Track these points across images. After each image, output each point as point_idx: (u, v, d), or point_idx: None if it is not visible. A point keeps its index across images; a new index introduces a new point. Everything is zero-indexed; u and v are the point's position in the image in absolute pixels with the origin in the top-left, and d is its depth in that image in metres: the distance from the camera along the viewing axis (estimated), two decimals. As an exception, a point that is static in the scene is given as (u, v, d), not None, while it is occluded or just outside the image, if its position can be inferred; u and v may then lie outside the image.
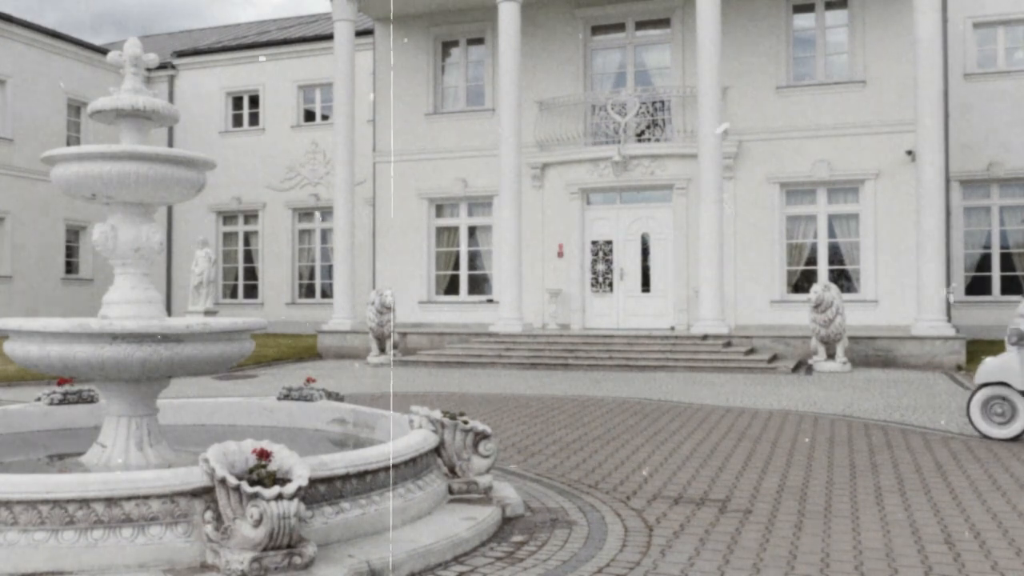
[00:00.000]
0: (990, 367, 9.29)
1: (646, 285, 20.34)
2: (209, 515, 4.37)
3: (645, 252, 20.42)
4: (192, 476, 4.43)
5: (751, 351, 17.26)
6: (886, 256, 19.09)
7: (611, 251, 20.57)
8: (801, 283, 19.74)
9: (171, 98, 29.27)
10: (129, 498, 4.34)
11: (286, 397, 7.38)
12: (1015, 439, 8.98)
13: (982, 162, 21.94)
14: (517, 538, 5.34)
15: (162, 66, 29.40)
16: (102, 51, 28.89)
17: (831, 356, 16.11)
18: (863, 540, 5.35)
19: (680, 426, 9.92)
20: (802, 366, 16.68)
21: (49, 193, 26.56)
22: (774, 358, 17.02)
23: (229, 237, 29.39)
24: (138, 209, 5.83)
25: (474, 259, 22.50)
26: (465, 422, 5.88)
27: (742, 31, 20.23)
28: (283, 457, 4.45)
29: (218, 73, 29.34)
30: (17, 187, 26.73)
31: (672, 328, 19.55)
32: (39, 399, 7.03)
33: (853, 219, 19.69)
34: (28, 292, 27.06)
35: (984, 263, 22.26)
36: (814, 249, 19.92)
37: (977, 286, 22.21)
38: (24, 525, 4.27)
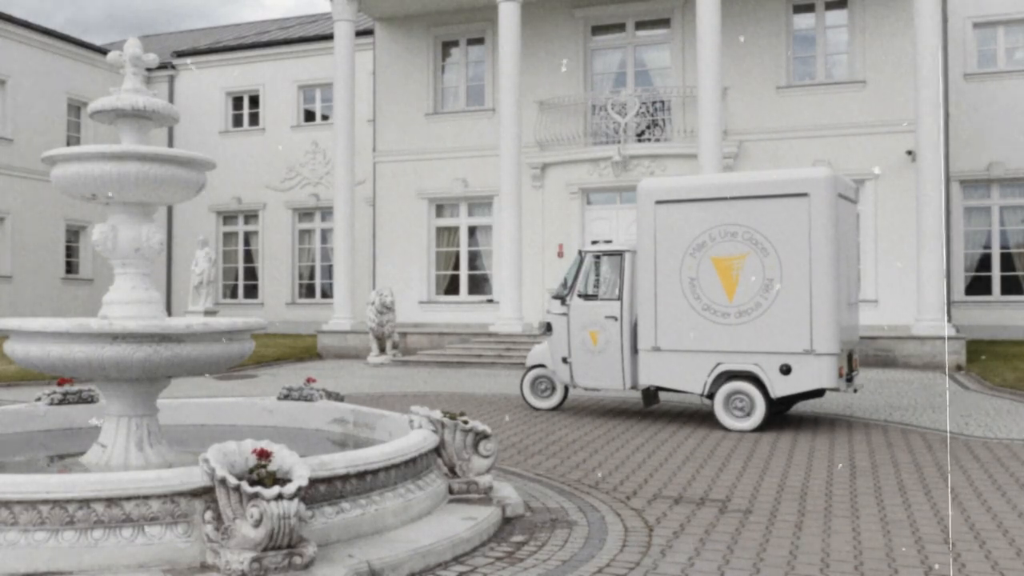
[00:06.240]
0: (534, 352, 11.32)
1: (646, 285, 20.29)
2: (209, 515, 4.37)
3: (645, 252, 20.37)
4: (192, 476, 4.43)
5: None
6: (886, 256, 19.07)
7: (611, 251, 20.54)
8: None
9: (171, 98, 29.25)
10: (129, 498, 4.34)
11: (286, 397, 7.38)
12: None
13: (982, 162, 21.92)
14: (517, 538, 5.34)
15: (162, 66, 29.37)
16: (102, 51, 28.89)
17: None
18: (863, 540, 5.35)
19: (681, 426, 9.93)
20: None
21: (49, 193, 26.52)
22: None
23: (229, 237, 29.38)
24: (138, 209, 5.83)
25: (474, 259, 22.49)
26: (465, 422, 5.88)
27: (742, 31, 20.22)
28: (283, 457, 4.45)
29: (218, 73, 29.32)
30: (17, 187, 26.72)
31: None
32: (39, 399, 7.03)
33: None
34: (28, 292, 27.05)
35: (984, 263, 22.25)
36: (814, 249, 19.87)
37: (977, 286, 22.19)
38: (24, 525, 4.27)
